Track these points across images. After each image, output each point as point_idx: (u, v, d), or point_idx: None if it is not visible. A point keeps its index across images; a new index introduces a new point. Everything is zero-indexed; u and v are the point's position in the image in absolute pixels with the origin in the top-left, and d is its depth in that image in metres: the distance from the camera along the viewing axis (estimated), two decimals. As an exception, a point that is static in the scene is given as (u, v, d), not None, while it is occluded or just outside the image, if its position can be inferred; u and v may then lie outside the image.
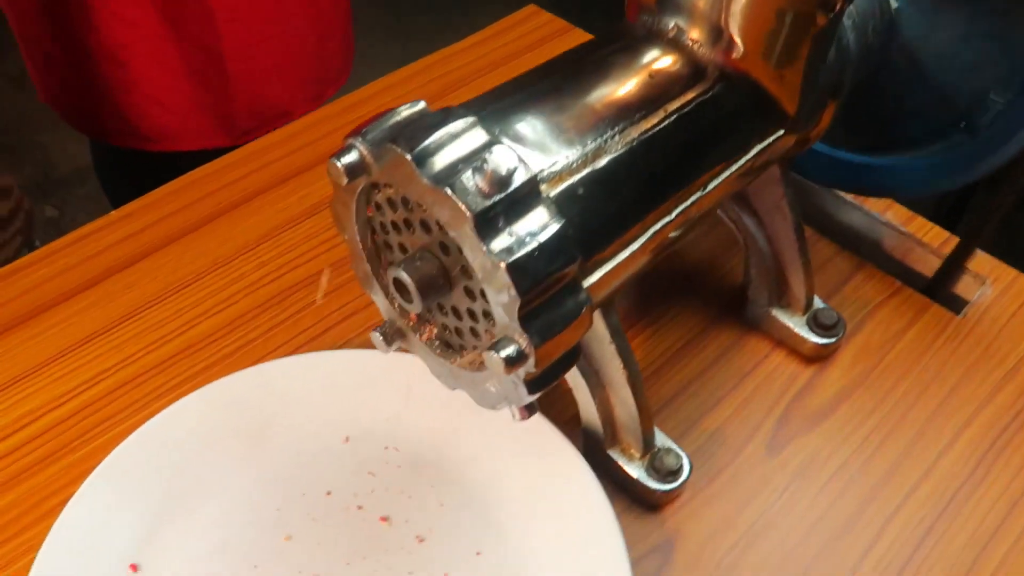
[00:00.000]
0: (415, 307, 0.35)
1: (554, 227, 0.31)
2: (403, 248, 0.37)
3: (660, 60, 0.38)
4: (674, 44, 0.39)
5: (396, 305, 0.40)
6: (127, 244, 0.57)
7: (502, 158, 0.30)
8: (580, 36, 0.76)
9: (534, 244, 0.31)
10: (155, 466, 0.45)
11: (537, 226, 0.31)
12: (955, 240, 0.59)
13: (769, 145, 0.41)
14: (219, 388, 0.47)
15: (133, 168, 0.98)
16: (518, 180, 0.31)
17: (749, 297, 0.53)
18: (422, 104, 0.35)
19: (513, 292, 0.31)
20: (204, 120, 0.90)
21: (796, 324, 0.52)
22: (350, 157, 0.34)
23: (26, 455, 0.47)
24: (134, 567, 0.42)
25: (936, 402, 0.51)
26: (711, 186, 0.39)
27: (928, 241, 0.59)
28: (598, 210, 0.34)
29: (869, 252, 0.60)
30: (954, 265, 0.57)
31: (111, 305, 0.54)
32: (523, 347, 0.32)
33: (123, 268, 0.56)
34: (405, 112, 0.34)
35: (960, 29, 0.49)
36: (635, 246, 0.36)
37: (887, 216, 0.60)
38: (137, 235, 0.58)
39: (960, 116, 0.50)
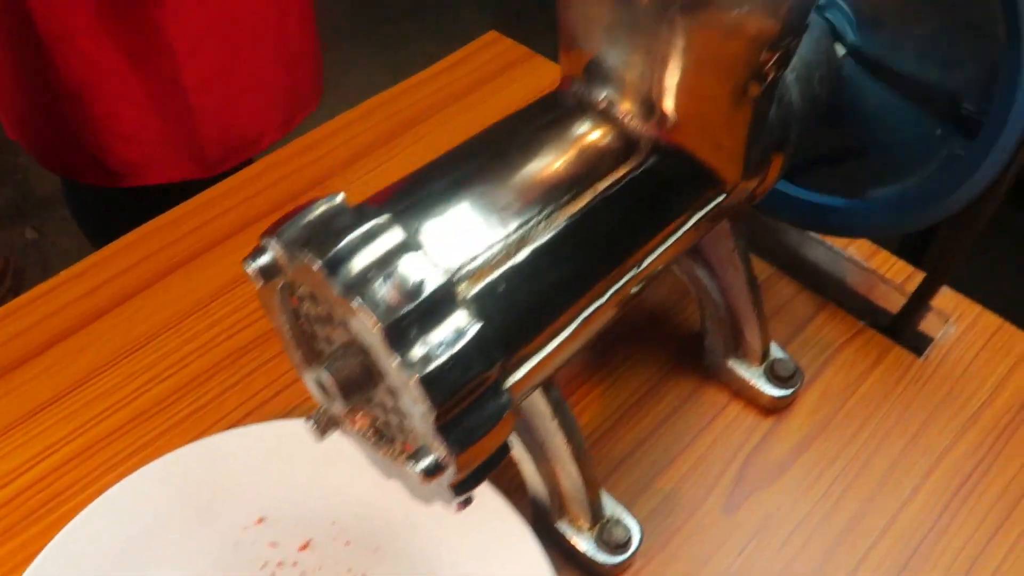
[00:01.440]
0: (338, 407, 0.34)
1: (471, 332, 0.31)
2: (328, 340, 0.36)
3: (590, 135, 0.37)
4: (605, 116, 0.38)
5: (330, 390, 0.39)
6: (80, 304, 0.57)
7: (410, 268, 0.30)
8: (541, 64, 0.75)
9: (448, 355, 0.30)
10: (100, 550, 0.44)
11: (452, 333, 0.30)
12: (919, 275, 0.58)
13: (709, 211, 0.40)
14: (163, 465, 0.46)
15: (103, 201, 0.98)
16: (429, 287, 0.30)
17: (706, 347, 0.53)
18: (340, 199, 0.34)
19: (427, 404, 0.30)
20: (172, 153, 0.89)
21: (753, 375, 0.51)
22: (263, 259, 0.33)
23: (-29, 539, 0.46)
24: (82, 652, 0.42)
25: (898, 449, 0.50)
26: (647, 262, 0.38)
27: (891, 277, 0.58)
28: (521, 304, 0.34)
29: (833, 288, 0.59)
30: (919, 304, 0.55)
31: (63, 372, 0.53)
32: (441, 458, 0.31)
33: (76, 331, 0.55)
34: (321, 208, 0.33)
35: (909, 77, 0.48)
36: (564, 335, 0.35)
37: (850, 251, 0.59)
38: (90, 295, 0.57)
39: (913, 159, 0.50)
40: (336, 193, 0.34)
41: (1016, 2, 0.41)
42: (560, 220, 0.35)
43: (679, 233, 0.39)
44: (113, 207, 0.98)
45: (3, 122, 0.91)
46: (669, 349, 0.54)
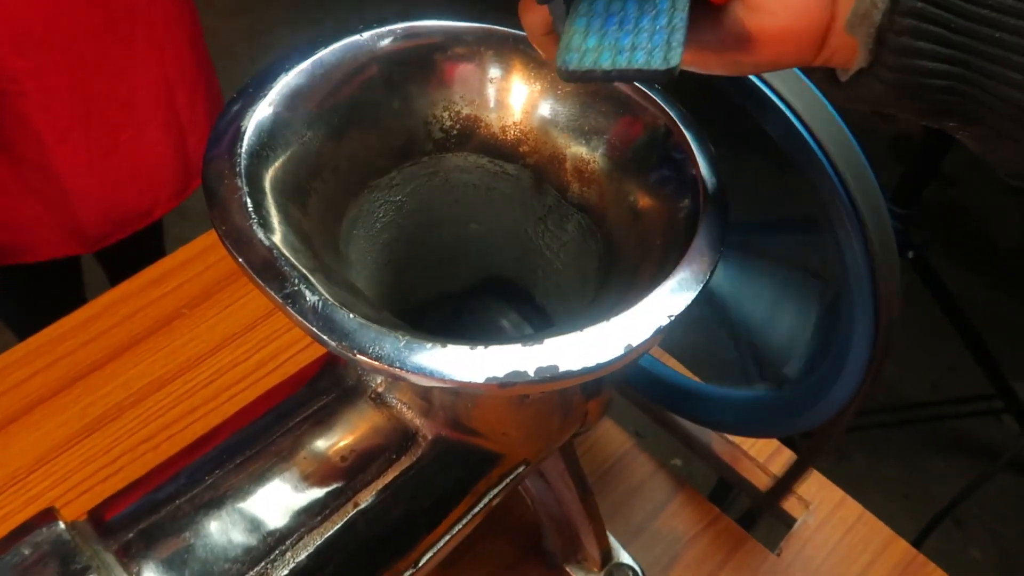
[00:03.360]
0: None
1: None
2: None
3: (360, 429, 0.34)
4: (381, 402, 0.35)
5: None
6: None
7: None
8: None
9: None
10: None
11: None
12: (783, 452, 0.56)
13: (510, 483, 0.38)
14: None
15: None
16: None
17: (545, 549, 0.50)
18: (58, 530, 0.30)
19: None
20: (51, 234, 0.85)
21: (591, 584, 0.49)
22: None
23: None
24: None
25: (738, 667, 0.48)
26: (431, 554, 0.35)
27: (755, 454, 0.56)
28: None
29: (700, 454, 0.57)
30: (785, 487, 0.53)
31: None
32: None
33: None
34: (30, 547, 0.30)
35: (764, 299, 0.45)
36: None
37: (717, 422, 0.57)
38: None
39: (766, 372, 0.47)
40: (54, 523, 0.31)
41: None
42: (315, 542, 0.32)
43: (473, 512, 0.37)
44: (13, 284, 0.94)
45: None
46: (514, 542, 0.52)
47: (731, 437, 0.56)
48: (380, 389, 0.35)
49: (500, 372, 0.24)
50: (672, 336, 0.54)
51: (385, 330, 0.25)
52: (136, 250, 0.93)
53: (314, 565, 0.32)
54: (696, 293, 0.26)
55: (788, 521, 0.54)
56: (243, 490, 0.32)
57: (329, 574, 0.32)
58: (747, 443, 0.56)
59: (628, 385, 0.54)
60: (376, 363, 0.24)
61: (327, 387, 0.35)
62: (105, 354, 0.58)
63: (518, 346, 0.25)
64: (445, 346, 0.25)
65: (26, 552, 0.30)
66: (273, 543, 0.32)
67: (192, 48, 0.85)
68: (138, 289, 0.62)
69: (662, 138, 0.31)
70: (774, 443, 0.56)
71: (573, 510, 0.47)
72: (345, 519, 0.33)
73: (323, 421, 0.34)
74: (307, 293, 0.25)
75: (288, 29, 1.90)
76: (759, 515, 0.54)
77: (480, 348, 0.24)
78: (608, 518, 0.49)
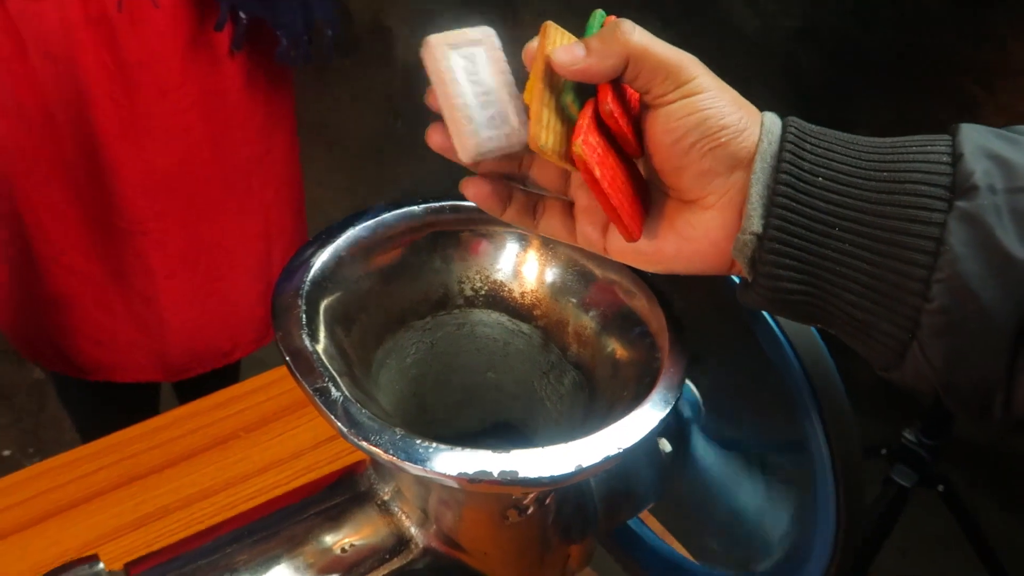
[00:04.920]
0: None
1: None
2: None
3: (363, 529, 0.40)
4: (385, 509, 0.40)
5: None
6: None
7: None
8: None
9: None
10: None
11: None
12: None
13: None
14: None
15: (88, 392, 1.03)
16: None
17: None
18: (97, 569, 0.36)
19: None
20: (140, 359, 0.94)
21: None
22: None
23: None
24: None
25: None
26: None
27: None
28: None
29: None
30: None
31: None
32: None
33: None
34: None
35: (736, 479, 0.49)
36: None
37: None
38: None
39: (746, 552, 0.50)
40: (98, 562, 0.36)
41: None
42: (306, 622, 0.37)
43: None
44: (95, 397, 1.03)
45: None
46: None
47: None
48: (386, 497, 0.40)
49: (470, 470, 0.30)
50: (667, 508, 0.57)
51: (387, 426, 0.31)
52: (209, 384, 1.01)
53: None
54: (645, 434, 0.32)
55: None
56: (255, 564, 0.38)
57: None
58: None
59: (623, 553, 0.57)
60: (375, 449, 0.31)
61: (342, 491, 0.41)
62: (165, 460, 0.65)
63: (489, 453, 0.30)
64: (431, 445, 0.31)
65: (68, 583, 0.36)
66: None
67: (294, 211, 0.98)
68: (205, 409, 0.70)
69: (641, 313, 0.38)
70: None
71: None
72: (336, 605, 0.38)
73: (333, 518, 0.40)
74: (332, 389, 0.32)
75: (385, 211, 2.07)
76: None
77: (458, 450, 0.30)
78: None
